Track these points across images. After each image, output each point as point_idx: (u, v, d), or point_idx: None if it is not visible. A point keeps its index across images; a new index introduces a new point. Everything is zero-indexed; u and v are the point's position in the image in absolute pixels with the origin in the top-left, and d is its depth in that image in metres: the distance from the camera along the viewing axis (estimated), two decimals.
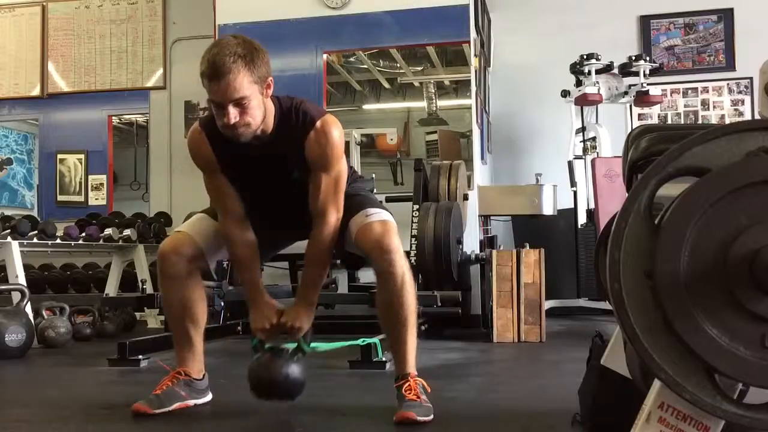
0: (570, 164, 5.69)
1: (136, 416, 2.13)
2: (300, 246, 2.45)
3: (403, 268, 2.11)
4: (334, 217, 2.14)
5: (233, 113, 1.98)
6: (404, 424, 1.97)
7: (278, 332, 2.18)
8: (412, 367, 2.16)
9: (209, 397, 2.35)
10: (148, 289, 4.47)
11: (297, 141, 2.09)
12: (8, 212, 5.77)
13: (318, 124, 2.09)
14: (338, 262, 2.60)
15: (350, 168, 2.33)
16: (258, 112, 2.02)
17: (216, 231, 2.23)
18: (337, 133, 2.12)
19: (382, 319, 2.21)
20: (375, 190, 2.59)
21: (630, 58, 5.66)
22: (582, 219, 5.61)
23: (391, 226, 2.14)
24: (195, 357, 2.29)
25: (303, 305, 2.19)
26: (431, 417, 2.01)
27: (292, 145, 2.10)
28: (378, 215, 2.14)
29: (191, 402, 2.26)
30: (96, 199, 6.99)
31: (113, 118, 7.23)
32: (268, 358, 2.14)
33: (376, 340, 3.10)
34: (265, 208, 2.24)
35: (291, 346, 2.18)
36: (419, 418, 1.97)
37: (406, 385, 2.09)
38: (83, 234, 5.12)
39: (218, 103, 2.00)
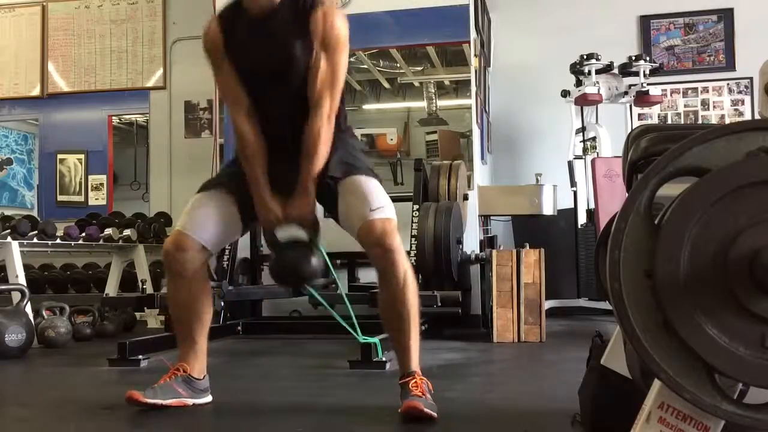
0: (570, 164, 5.69)
1: (129, 404, 2.13)
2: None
3: (404, 266, 2.12)
4: (327, 107, 2.17)
5: None
6: (410, 416, 1.96)
7: (286, 223, 2.20)
8: (416, 366, 2.17)
9: (209, 398, 2.33)
10: (148, 289, 4.47)
11: (302, 19, 2.14)
12: (8, 212, 5.78)
13: (326, 6, 2.16)
14: (338, 262, 2.61)
15: (343, 111, 2.32)
16: None
17: (216, 217, 2.22)
18: (342, 21, 2.19)
19: (384, 318, 2.21)
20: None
21: (630, 58, 5.66)
22: (582, 219, 5.61)
23: (393, 224, 2.14)
24: (198, 356, 2.29)
25: (302, 195, 2.18)
26: (435, 414, 2.01)
27: (296, 22, 2.15)
28: (381, 212, 2.13)
29: (189, 401, 2.25)
30: (96, 199, 6.99)
31: (113, 118, 7.23)
32: (282, 247, 2.20)
33: (376, 339, 3.10)
34: (267, 115, 2.25)
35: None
36: (425, 409, 1.97)
37: (413, 381, 2.10)
38: (83, 234, 5.12)
39: None
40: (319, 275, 2.23)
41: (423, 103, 6.11)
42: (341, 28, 2.18)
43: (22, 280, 4.34)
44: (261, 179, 2.21)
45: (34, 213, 7.04)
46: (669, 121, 6.31)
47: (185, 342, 2.30)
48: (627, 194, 1.21)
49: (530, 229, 5.67)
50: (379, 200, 2.15)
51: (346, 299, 2.83)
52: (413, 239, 4.29)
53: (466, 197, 4.92)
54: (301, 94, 2.19)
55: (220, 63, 2.25)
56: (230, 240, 2.49)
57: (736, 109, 6.27)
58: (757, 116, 4.79)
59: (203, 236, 2.21)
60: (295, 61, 2.16)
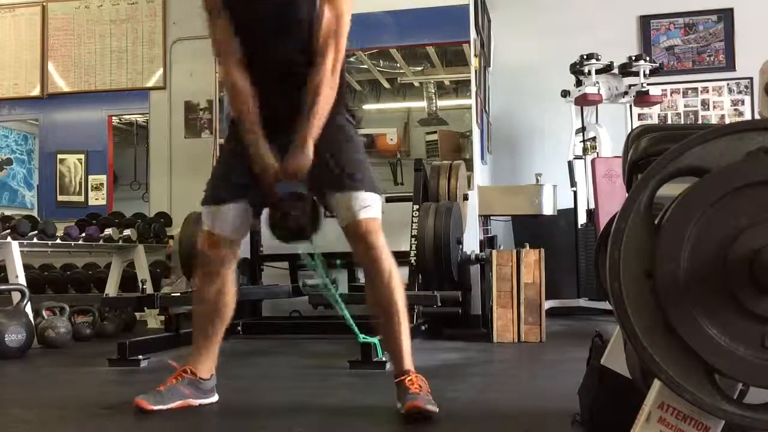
0: (570, 164, 5.69)
1: (136, 411, 2.13)
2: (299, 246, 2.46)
3: (389, 262, 2.14)
4: (331, 58, 2.12)
5: None
6: (413, 415, 1.97)
7: (283, 178, 2.16)
8: (410, 364, 2.17)
9: (215, 397, 2.34)
10: (148, 289, 4.47)
11: None
12: (8, 212, 5.77)
13: None
14: (338, 262, 2.61)
15: (344, 77, 2.30)
16: None
17: (227, 209, 2.20)
18: None
19: (374, 317, 2.24)
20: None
21: (630, 58, 5.66)
22: (582, 219, 5.61)
23: (377, 223, 2.16)
24: (209, 355, 2.30)
25: (300, 151, 2.12)
26: (437, 408, 2.01)
27: None
28: (367, 211, 2.14)
29: (195, 402, 2.25)
30: (96, 199, 6.98)
31: (113, 118, 7.23)
32: (280, 201, 2.17)
33: (375, 339, 3.10)
34: (265, 69, 2.20)
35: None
36: (428, 407, 1.98)
37: (408, 379, 2.11)
38: (83, 234, 5.12)
39: None
40: (318, 229, 2.22)
41: (423, 103, 6.11)
42: None
43: (22, 280, 4.34)
44: (258, 133, 2.16)
45: (34, 213, 7.04)
46: (669, 121, 6.31)
47: (202, 339, 2.30)
48: (627, 194, 1.21)
49: (530, 229, 5.66)
50: (365, 199, 2.16)
51: (339, 301, 2.82)
52: (413, 239, 4.29)
53: (466, 197, 4.92)
54: (301, 44, 2.15)
55: (216, 12, 2.19)
56: (248, 219, 2.46)
57: (736, 109, 6.27)
58: (757, 116, 4.80)
59: (228, 230, 2.22)
60: (297, 10, 2.12)
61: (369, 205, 2.15)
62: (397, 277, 2.16)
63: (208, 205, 2.26)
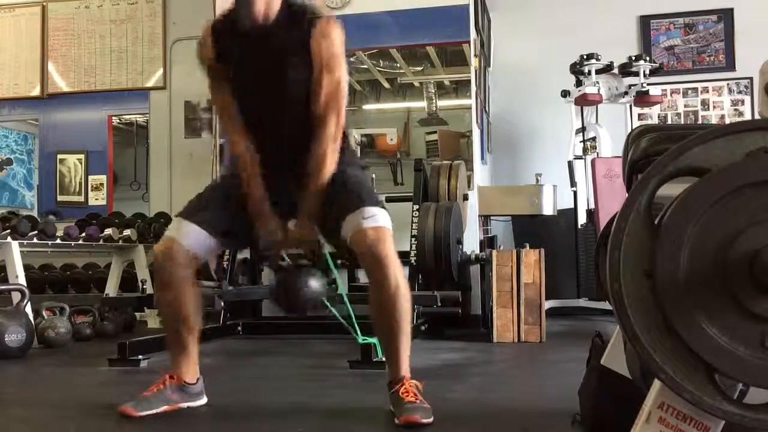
0: (570, 164, 5.69)
1: (122, 417, 2.11)
2: None
3: (396, 274, 2.08)
4: (333, 127, 2.14)
5: None
6: (409, 426, 1.96)
7: (288, 246, 2.20)
8: (405, 371, 2.14)
9: (203, 401, 2.32)
10: (148, 289, 4.47)
11: (299, 35, 2.11)
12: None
13: (324, 20, 2.12)
14: (338, 262, 2.61)
15: (347, 138, 2.31)
16: None
17: (200, 231, 2.19)
18: (339, 33, 2.16)
19: (375, 322, 2.21)
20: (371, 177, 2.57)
21: (630, 58, 5.66)
22: (582, 219, 5.61)
23: (386, 232, 2.11)
24: (189, 361, 2.27)
25: (305, 219, 2.18)
26: (432, 419, 2.00)
27: (293, 38, 2.11)
28: (373, 219, 2.10)
29: (183, 405, 2.24)
30: (96, 199, 6.98)
31: (113, 118, 7.23)
32: (283, 275, 2.21)
33: (375, 340, 3.09)
34: (264, 133, 2.23)
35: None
36: (424, 420, 1.97)
37: (403, 388, 2.08)
38: (83, 234, 5.12)
39: None
40: (319, 302, 2.22)
41: (423, 103, 6.10)
42: (340, 43, 2.15)
43: (22, 280, 4.34)
44: (262, 200, 2.20)
45: (34, 213, 7.04)
46: (669, 121, 6.31)
47: (176, 348, 2.28)
48: (627, 194, 1.21)
49: (530, 229, 5.66)
50: (371, 207, 2.13)
51: (346, 300, 2.83)
52: (413, 239, 4.29)
53: (466, 197, 4.92)
54: (300, 112, 2.17)
55: (214, 76, 2.24)
56: (218, 249, 2.48)
57: (736, 109, 6.27)
58: (757, 116, 4.80)
59: (193, 244, 2.18)
60: (294, 82, 2.14)
61: (374, 215, 2.12)
62: (404, 289, 2.10)
63: (181, 218, 2.24)
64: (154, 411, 2.16)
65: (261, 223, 2.21)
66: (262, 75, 2.16)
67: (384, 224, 2.12)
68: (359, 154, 5.32)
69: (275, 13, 2.12)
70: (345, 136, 2.28)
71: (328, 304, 2.76)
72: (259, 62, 2.15)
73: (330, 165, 2.16)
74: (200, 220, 2.21)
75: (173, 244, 2.18)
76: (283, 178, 2.22)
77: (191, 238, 2.19)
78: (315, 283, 2.20)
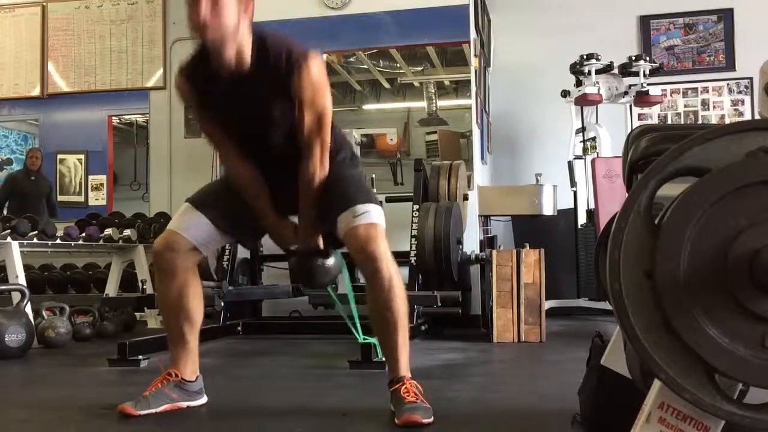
0: (570, 164, 5.69)
1: (121, 416, 2.11)
2: None
3: (389, 272, 2.09)
4: (318, 150, 2.16)
5: (205, 6, 1.96)
6: (409, 426, 1.96)
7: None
8: (405, 370, 2.14)
9: (203, 399, 2.32)
10: (148, 289, 4.47)
11: (279, 78, 2.07)
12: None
13: (302, 57, 2.07)
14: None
15: (339, 135, 2.32)
16: (232, 19, 2.00)
17: (206, 221, 2.21)
18: (320, 66, 2.12)
19: (372, 322, 2.22)
20: (365, 174, 2.59)
21: (630, 58, 5.66)
22: (582, 219, 5.62)
23: (377, 229, 2.11)
24: (189, 358, 2.27)
25: (306, 222, 2.25)
26: (432, 418, 2.00)
27: (273, 82, 2.08)
28: (365, 216, 2.11)
29: (183, 404, 2.24)
30: (96, 199, 6.99)
31: (113, 118, 7.23)
32: (300, 255, 2.33)
33: (375, 340, 3.09)
34: (255, 154, 2.24)
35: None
36: (424, 420, 1.97)
37: (403, 387, 2.08)
38: (83, 234, 5.12)
39: (192, 1, 1.98)
40: (337, 274, 2.38)
41: (423, 103, 6.11)
42: (324, 79, 2.13)
43: (22, 280, 4.34)
44: (269, 212, 2.25)
45: None
46: (669, 121, 6.32)
47: (176, 343, 2.27)
48: (627, 194, 1.21)
49: (530, 229, 5.66)
50: (363, 204, 2.13)
51: (352, 300, 2.84)
52: (413, 239, 4.29)
53: (466, 197, 4.92)
54: (287, 137, 2.17)
55: (198, 114, 2.26)
56: (222, 243, 2.50)
57: (736, 109, 6.28)
58: (757, 116, 4.80)
59: (195, 236, 2.20)
60: (278, 119, 2.14)
61: (367, 211, 2.12)
62: (398, 285, 2.11)
63: (190, 204, 2.26)
64: (153, 410, 2.16)
65: (272, 231, 2.29)
66: (244, 114, 2.15)
67: (376, 221, 2.12)
68: (358, 154, 5.33)
69: (248, 56, 2.07)
70: (337, 149, 2.28)
71: (334, 296, 2.82)
72: (240, 104, 2.13)
73: (319, 180, 2.19)
74: (208, 208, 2.23)
75: (174, 235, 2.20)
76: (283, 184, 2.23)
77: (193, 230, 2.20)
78: (329, 261, 2.31)
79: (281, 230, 2.28)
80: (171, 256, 2.18)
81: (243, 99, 2.11)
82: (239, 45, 2.05)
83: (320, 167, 2.18)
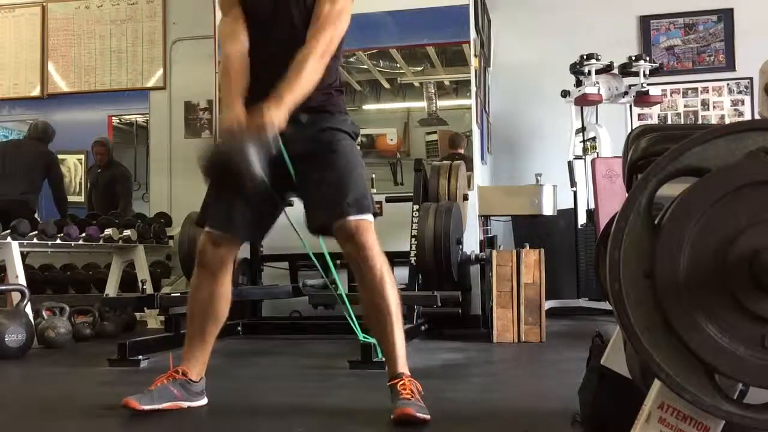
0: (570, 164, 5.69)
1: (126, 411, 2.12)
2: (299, 247, 2.45)
3: (380, 262, 2.11)
4: (323, 44, 2.10)
5: None
6: (403, 422, 1.96)
7: (248, 132, 1.98)
8: (404, 366, 2.15)
9: (204, 401, 2.32)
10: (148, 289, 4.47)
11: None
12: None
13: None
14: (338, 262, 2.60)
15: (339, 82, 2.29)
16: None
17: (241, 216, 2.20)
18: None
19: (366, 318, 2.23)
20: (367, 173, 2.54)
21: (630, 58, 5.66)
22: (582, 219, 5.61)
23: (366, 224, 2.12)
24: (201, 358, 2.28)
25: (273, 100, 2.01)
26: (427, 416, 2.00)
27: None
28: (355, 209, 2.11)
29: (184, 404, 2.24)
30: None
31: (113, 118, 7.23)
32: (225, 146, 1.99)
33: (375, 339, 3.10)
34: (267, 58, 2.20)
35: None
36: (418, 414, 1.97)
37: (401, 383, 2.08)
38: (83, 234, 5.12)
39: None
40: (259, 179, 1.92)
41: (423, 103, 6.11)
42: None
43: (22, 280, 4.34)
44: (235, 93, 2.13)
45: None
46: (669, 121, 6.31)
47: (194, 340, 2.28)
48: (627, 194, 1.21)
49: (530, 229, 5.66)
50: (352, 196, 2.12)
51: (345, 299, 2.83)
52: (413, 239, 4.29)
53: (466, 197, 4.92)
54: (299, 26, 2.17)
55: (228, 5, 2.25)
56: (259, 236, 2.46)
57: (736, 109, 6.27)
58: (757, 116, 4.79)
59: (232, 229, 2.21)
60: (292, 8, 2.16)
61: (357, 205, 2.12)
62: (388, 278, 2.13)
63: (209, 229, 2.24)
64: (156, 406, 2.16)
65: (229, 108, 2.11)
66: (268, 6, 2.18)
67: (366, 216, 2.13)
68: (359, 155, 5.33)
69: None
70: (339, 82, 2.26)
71: (339, 286, 2.74)
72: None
73: (308, 72, 2.07)
74: (219, 222, 2.22)
75: (214, 235, 2.21)
76: (272, 80, 2.10)
77: (226, 223, 2.21)
78: (254, 157, 1.90)
79: (238, 108, 2.08)
80: (215, 252, 2.20)
81: None
82: None
83: (316, 59, 2.09)
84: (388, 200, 4.76)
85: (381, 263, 2.12)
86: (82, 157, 7.00)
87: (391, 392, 2.09)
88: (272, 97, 2.02)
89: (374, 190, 4.57)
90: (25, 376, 3.37)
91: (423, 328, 4.32)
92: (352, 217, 2.10)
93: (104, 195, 6.57)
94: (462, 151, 5.57)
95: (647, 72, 5.61)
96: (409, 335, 3.24)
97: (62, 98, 7.06)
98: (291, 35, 2.16)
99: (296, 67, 2.07)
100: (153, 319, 5.41)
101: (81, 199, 6.99)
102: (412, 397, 2.04)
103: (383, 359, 3.01)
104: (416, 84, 6.12)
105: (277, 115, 1.99)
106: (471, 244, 4.88)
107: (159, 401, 2.18)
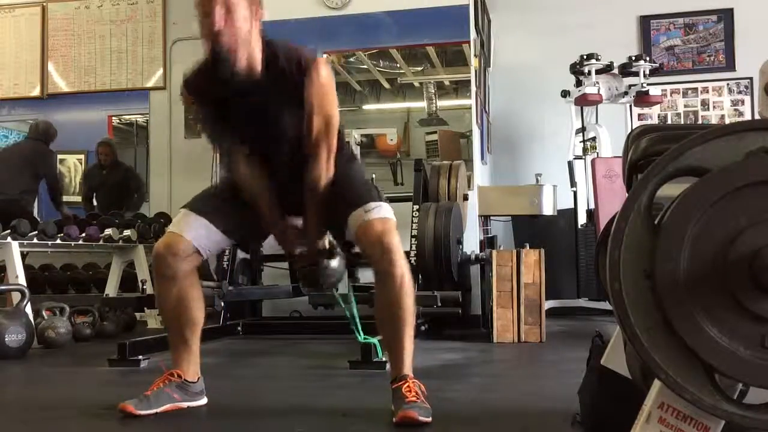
0: (570, 164, 5.69)
1: (123, 415, 2.11)
2: None
3: (402, 268, 2.09)
4: (325, 154, 2.16)
5: (219, 14, 1.99)
6: (405, 424, 1.96)
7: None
8: (409, 369, 2.14)
9: (204, 400, 2.31)
10: (148, 289, 4.47)
11: (289, 87, 2.09)
12: None
13: (314, 71, 2.09)
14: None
15: (344, 141, 2.32)
16: (244, 25, 2.03)
17: (206, 224, 2.20)
18: (330, 76, 2.15)
19: (379, 319, 2.20)
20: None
21: (630, 58, 5.66)
22: (582, 219, 5.61)
23: (392, 224, 2.13)
24: (190, 359, 2.27)
25: (311, 224, 2.25)
26: (430, 419, 2.00)
27: (282, 90, 2.09)
28: (378, 211, 2.12)
29: (184, 405, 2.24)
30: None
31: (113, 118, 7.23)
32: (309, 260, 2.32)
33: (376, 340, 3.10)
34: (258, 151, 2.24)
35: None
36: (421, 418, 1.96)
37: (405, 385, 2.07)
38: (83, 234, 5.12)
39: (205, 12, 2.01)
40: (342, 274, 2.38)
41: (423, 104, 6.11)
42: (331, 81, 2.15)
43: (22, 280, 4.34)
44: (270, 212, 2.23)
45: (34, 213, 7.03)
46: (669, 121, 6.31)
47: (177, 345, 2.27)
48: (627, 194, 1.21)
49: (530, 229, 5.66)
50: (374, 201, 2.15)
51: (353, 300, 2.85)
52: (413, 239, 4.29)
53: (466, 197, 4.92)
54: (295, 138, 2.17)
55: (204, 121, 2.30)
56: (222, 246, 2.47)
57: (736, 109, 6.27)
58: (757, 116, 4.80)
59: (196, 238, 2.18)
60: (286, 126, 2.15)
61: (379, 206, 2.14)
62: (409, 283, 2.11)
63: (187, 209, 2.25)
64: (154, 410, 2.16)
65: (273, 230, 2.28)
66: (253, 120, 2.16)
67: (389, 216, 2.15)
68: (358, 155, 5.33)
69: (259, 62, 2.09)
70: (341, 146, 2.28)
71: (338, 296, 2.86)
72: (250, 110, 2.14)
73: (324, 181, 2.19)
74: (207, 211, 2.22)
75: (174, 238, 2.18)
76: (288, 186, 2.23)
77: (194, 231, 2.18)
78: (334, 263, 2.30)
79: (284, 230, 2.27)
80: (172, 259, 2.16)
81: (252, 105, 2.12)
82: (250, 51, 2.07)
83: (326, 171, 2.18)
84: (387, 200, 4.75)
85: (404, 269, 2.10)
86: (82, 157, 7.01)
87: (395, 394, 2.08)
88: (306, 225, 2.26)
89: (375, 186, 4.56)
90: (25, 376, 3.37)
91: (423, 328, 4.32)
92: (375, 216, 2.10)
93: (111, 194, 6.57)
94: None
95: (647, 72, 5.61)
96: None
97: (62, 98, 7.06)
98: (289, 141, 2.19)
99: (313, 191, 2.19)
100: (153, 319, 5.41)
101: (81, 198, 6.99)
102: (418, 399, 2.04)
103: (384, 359, 3.02)
104: (416, 84, 6.12)
105: (315, 238, 2.27)
106: (471, 244, 4.88)
107: (157, 405, 2.17)
